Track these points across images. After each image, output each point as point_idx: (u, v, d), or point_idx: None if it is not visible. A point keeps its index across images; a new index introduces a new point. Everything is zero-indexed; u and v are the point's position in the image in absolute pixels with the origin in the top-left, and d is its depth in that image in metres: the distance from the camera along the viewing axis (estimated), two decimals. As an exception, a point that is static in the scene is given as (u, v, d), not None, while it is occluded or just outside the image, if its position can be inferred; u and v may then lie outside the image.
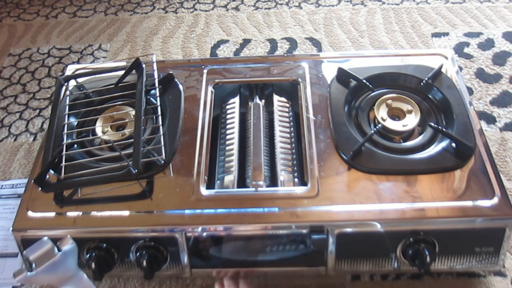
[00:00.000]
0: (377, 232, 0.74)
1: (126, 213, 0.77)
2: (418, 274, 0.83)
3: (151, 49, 1.36)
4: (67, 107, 0.92)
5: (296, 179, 0.82)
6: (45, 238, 0.71)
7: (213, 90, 0.96)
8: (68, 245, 0.71)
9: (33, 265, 0.68)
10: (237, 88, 0.99)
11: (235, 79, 0.98)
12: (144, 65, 0.94)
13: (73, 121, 0.91)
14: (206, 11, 1.49)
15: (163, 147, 0.83)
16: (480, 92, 1.16)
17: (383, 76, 0.94)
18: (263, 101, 0.96)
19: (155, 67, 0.96)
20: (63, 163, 0.81)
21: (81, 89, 0.97)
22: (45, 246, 0.69)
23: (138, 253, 0.76)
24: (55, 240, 0.74)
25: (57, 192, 0.80)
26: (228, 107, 0.96)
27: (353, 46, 1.31)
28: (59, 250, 0.70)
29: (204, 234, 0.76)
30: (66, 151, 0.83)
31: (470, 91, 1.16)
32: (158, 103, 0.91)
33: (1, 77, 1.32)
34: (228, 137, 0.90)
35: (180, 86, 0.97)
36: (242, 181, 0.83)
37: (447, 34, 1.33)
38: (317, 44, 1.33)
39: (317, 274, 0.83)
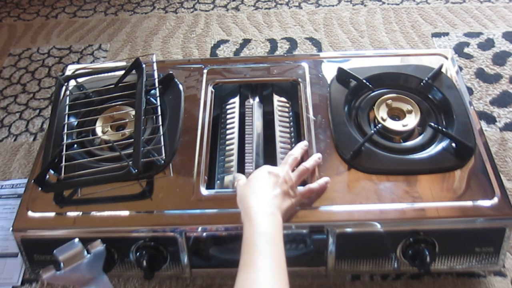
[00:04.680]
0: (377, 232, 0.74)
1: (126, 213, 0.77)
2: (418, 274, 0.83)
3: (151, 49, 1.36)
4: (67, 107, 0.92)
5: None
6: (76, 239, 0.72)
7: (213, 90, 0.96)
8: (98, 249, 0.72)
9: (61, 264, 0.70)
10: (237, 88, 0.99)
11: (235, 79, 0.98)
12: (144, 65, 0.94)
13: (73, 121, 0.91)
14: (206, 11, 1.49)
15: (163, 147, 0.83)
16: (480, 92, 1.16)
17: (383, 76, 0.94)
18: (263, 101, 0.96)
19: (155, 67, 0.96)
20: (63, 163, 0.81)
21: (81, 89, 0.97)
22: (76, 248, 0.71)
23: (138, 253, 0.76)
24: (56, 240, 0.74)
25: (57, 192, 0.80)
26: (228, 107, 0.96)
27: (353, 46, 1.31)
28: (88, 252, 0.72)
29: (204, 234, 0.76)
30: (66, 151, 0.83)
31: (470, 91, 1.16)
32: (158, 103, 0.91)
33: (1, 77, 1.32)
34: (228, 137, 0.90)
35: (180, 86, 0.97)
36: (242, 181, 0.83)
37: (447, 34, 1.33)
38: (317, 44, 1.33)
39: (317, 274, 0.83)
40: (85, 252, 0.72)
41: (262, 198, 0.69)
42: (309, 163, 0.78)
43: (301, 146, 0.82)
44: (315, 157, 0.80)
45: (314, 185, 0.76)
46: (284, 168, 0.75)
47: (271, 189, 0.70)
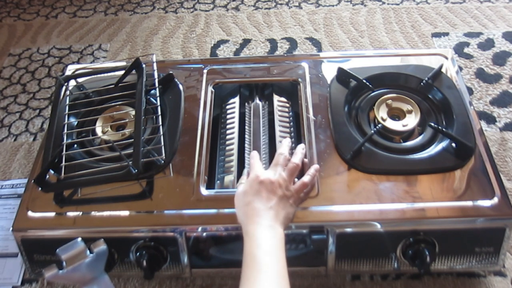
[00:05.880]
0: (377, 232, 0.74)
1: (126, 213, 0.77)
2: (418, 274, 0.83)
3: (151, 49, 1.36)
4: (67, 107, 0.92)
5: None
6: (79, 239, 0.73)
7: (213, 90, 0.96)
8: (100, 248, 0.73)
9: (64, 263, 0.70)
10: (237, 88, 0.99)
11: (235, 79, 0.98)
12: (144, 65, 0.94)
13: (73, 121, 0.91)
14: (206, 11, 1.49)
15: (163, 147, 0.83)
16: (480, 92, 1.16)
17: (383, 76, 0.94)
18: (263, 101, 0.96)
19: (155, 67, 0.96)
20: (63, 163, 0.81)
21: (81, 89, 0.97)
22: (78, 247, 0.72)
23: (138, 253, 0.76)
24: (56, 240, 0.74)
25: (57, 192, 0.80)
26: (228, 107, 0.96)
27: (353, 46, 1.31)
28: (91, 252, 0.72)
29: (204, 234, 0.76)
30: (66, 151, 0.83)
31: (470, 91, 1.16)
32: (158, 103, 0.91)
33: (1, 77, 1.32)
34: (228, 137, 0.90)
35: (180, 86, 0.97)
36: (242, 181, 0.83)
37: (447, 34, 1.33)
38: (317, 44, 1.33)
39: (317, 274, 0.83)
40: (88, 252, 0.72)
41: (257, 215, 0.68)
42: (297, 157, 0.78)
43: (287, 143, 0.81)
44: (300, 149, 0.80)
45: (306, 178, 0.76)
46: (277, 170, 0.74)
47: (265, 202, 0.70)
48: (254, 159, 0.78)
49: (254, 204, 0.69)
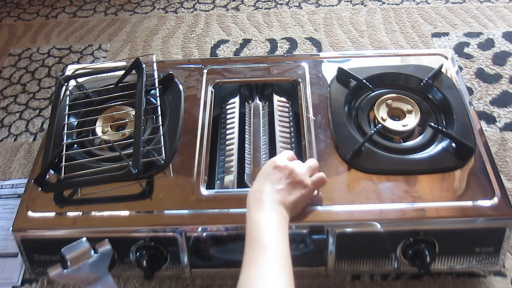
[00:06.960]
0: (377, 232, 0.74)
1: (126, 213, 0.77)
2: (418, 274, 0.83)
3: (151, 49, 1.36)
4: (67, 107, 0.92)
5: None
6: (84, 238, 0.73)
7: (213, 90, 0.96)
8: (105, 248, 0.73)
9: (68, 263, 0.70)
10: (237, 88, 0.99)
11: (235, 79, 0.98)
12: (144, 65, 0.94)
13: (73, 121, 0.91)
14: (206, 11, 1.49)
15: (163, 147, 0.83)
16: (480, 92, 1.16)
17: (383, 76, 0.94)
18: (263, 101, 0.96)
19: (155, 67, 0.96)
20: (63, 163, 0.81)
21: (81, 89, 0.97)
22: (83, 246, 0.72)
23: (138, 253, 0.76)
24: (56, 240, 0.74)
25: (57, 192, 0.80)
26: (228, 107, 0.96)
27: (353, 46, 1.31)
28: (95, 252, 0.72)
29: (204, 234, 0.76)
30: (66, 151, 0.83)
31: (470, 91, 1.16)
32: (158, 103, 0.91)
33: (1, 77, 1.32)
34: (228, 137, 0.90)
35: (180, 86, 0.97)
36: (242, 181, 0.83)
37: (447, 34, 1.33)
38: (317, 44, 1.33)
39: (317, 274, 0.83)
40: (92, 252, 0.72)
41: (262, 198, 0.68)
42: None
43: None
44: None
45: (323, 173, 0.75)
46: (297, 161, 0.75)
47: (274, 185, 0.70)
48: (287, 151, 0.78)
49: (262, 185, 0.70)
